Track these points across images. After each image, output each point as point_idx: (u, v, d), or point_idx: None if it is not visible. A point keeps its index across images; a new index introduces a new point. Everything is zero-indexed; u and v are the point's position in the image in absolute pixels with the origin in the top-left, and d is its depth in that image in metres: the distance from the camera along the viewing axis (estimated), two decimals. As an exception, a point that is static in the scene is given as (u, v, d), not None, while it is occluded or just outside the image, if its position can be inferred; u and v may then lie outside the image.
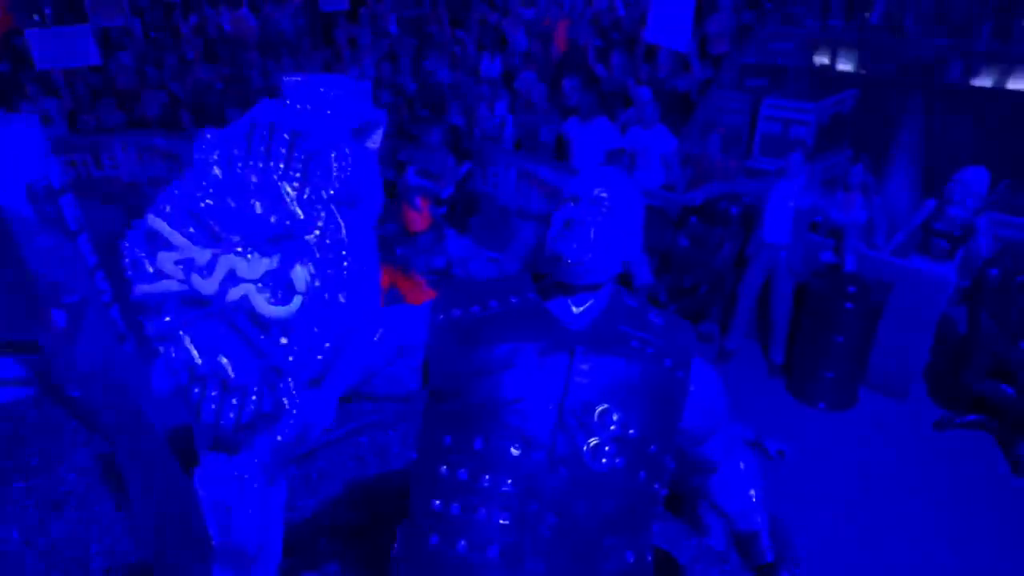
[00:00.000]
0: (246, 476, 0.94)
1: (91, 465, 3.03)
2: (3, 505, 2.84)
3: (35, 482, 2.96)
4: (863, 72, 6.39)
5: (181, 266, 0.88)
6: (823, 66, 6.61)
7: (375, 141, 0.98)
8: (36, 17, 10.15)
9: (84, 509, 2.81)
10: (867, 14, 6.77)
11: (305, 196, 0.88)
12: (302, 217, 0.87)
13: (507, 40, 7.26)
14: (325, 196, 0.88)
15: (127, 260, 0.89)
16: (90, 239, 3.71)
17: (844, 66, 6.55)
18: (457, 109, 6.32)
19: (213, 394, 0.91)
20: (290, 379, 0.88)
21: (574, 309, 1.29)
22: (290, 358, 0.87)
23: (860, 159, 4.86)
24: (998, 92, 5.62)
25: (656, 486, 1.27)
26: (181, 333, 0.90)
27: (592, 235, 1.24)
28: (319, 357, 0.88)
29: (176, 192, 0.88)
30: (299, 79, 0.92)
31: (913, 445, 3.90)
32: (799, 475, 3.37)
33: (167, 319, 0.90)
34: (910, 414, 4.15)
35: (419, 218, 3.89)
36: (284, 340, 0.88)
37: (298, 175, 0.87)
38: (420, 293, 3.85)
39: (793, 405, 4.31)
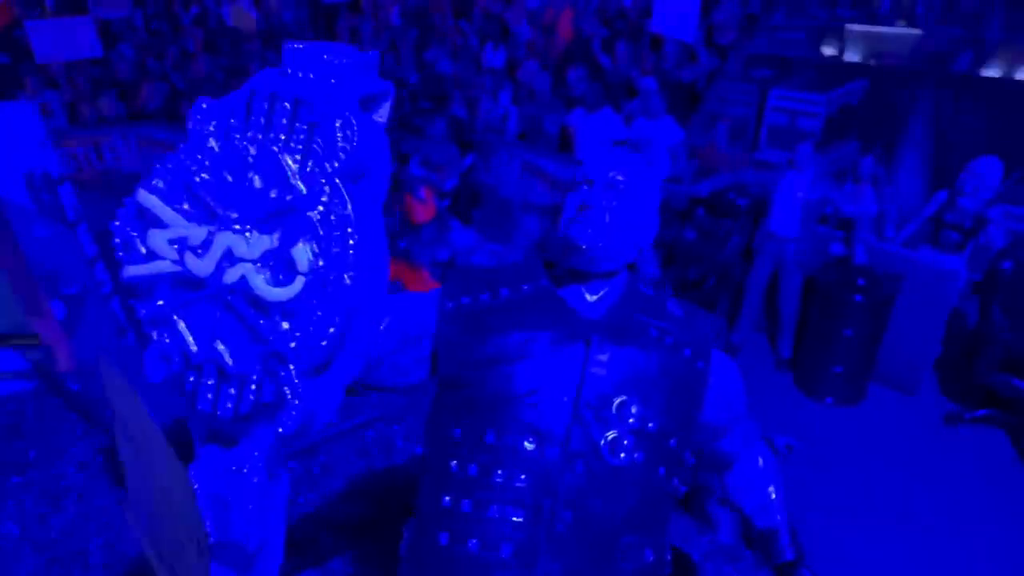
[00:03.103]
0: (245, 470, 0.89)
1: (90, 459, 2.99)
2: (2, 499, 2.81)
3: (34, 476, 2.93)
4: (872, 63, 6.31)
5: (174, 245, 0.82)
6: (831, 57, 6.53)
7: (382, 114, 0.92)
8: (37, 10, 10.09)
9: (83, 503, 2.77)
10: (876, 3, 6.69)
11: (308, 169, 0.82)
12: (304, 192, 0.80)
13: (510, 30, 7.17)
14: (329, 169, 0.81)
15: (117, 240, 0.84)
16: (89, 230, 3.66)
17: (852, 57, 6.47)
18: (459, 100, 6.25)
19: (209, 382, 0.85)
20: (292, 366, 0.82)
21: (588, 297, 1.24)
22: (292, 344, 0.81)
23: (870, 150, 4.79)
24: (1009, 82, 5.54)
25: (675, 482, 1.21)
26: (175, 317, 0.84)
27: (607, 220, 1.18)
28: (323, 343, 0.81)
29: (169, 166, 0.82)
30: (301, 46, 0.86)
31: (923, 440, 3.85)
32: (806, 471, 3.32)
33: (160, 302, 0.84)
34: (920, 409, 4.10)
35: (423, 209, 3.85)
36: (286, 324, 0.82)
37: (300, 147, 0.81)
38: (424, 285, 3.80)
39: (801, 400, 4.26)
